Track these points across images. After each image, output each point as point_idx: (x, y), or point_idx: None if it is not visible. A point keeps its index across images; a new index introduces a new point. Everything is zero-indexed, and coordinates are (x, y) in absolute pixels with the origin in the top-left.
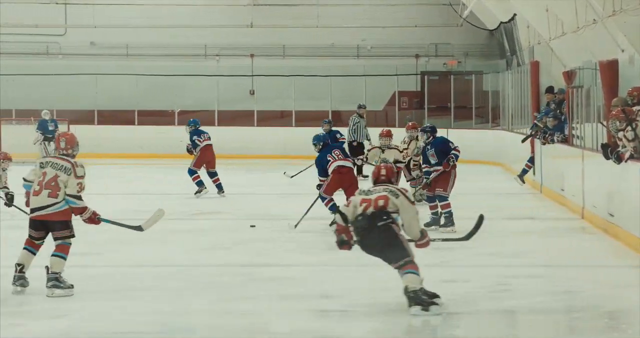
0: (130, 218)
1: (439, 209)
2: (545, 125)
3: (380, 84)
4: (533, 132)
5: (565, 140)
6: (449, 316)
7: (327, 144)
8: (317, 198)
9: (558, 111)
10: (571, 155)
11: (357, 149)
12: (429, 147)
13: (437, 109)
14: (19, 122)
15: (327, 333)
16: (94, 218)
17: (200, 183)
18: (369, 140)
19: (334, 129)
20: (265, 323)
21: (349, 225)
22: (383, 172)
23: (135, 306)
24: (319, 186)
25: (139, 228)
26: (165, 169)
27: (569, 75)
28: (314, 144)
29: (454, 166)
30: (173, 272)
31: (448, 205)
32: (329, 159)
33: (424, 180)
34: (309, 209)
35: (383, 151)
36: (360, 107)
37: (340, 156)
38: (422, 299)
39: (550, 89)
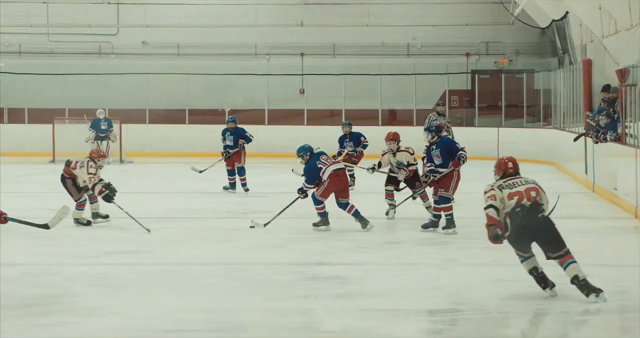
0: (182, 217)
1: (442, 212)
2: (598, 124)
3: (430, 82)
4: (586, 131)
5: (618, 139)
6: (500, 316)
7: (312, 153)
8: (296, 199)
9: (611, 110)
10: (624, 154)
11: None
12: (433, 147)
13: (487, 108)
14: (72, 121)
15: (377, 333)
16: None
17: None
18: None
19: (354, 131)
20: (316, 322)
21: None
22: (510, 165)
23: (188, 304)
24: (301, 190)
25: (45, 226)
26: (216, 168)
27: (622, 74)
28: (300, 156)
29: (458, 167)
30: (225, 270)
31: (450, 208)
32: (319, 166)
33: (431, 177)
34: (284, 210)
35: (394, 155)
36: (438, 104)
37: (329, 160)
38: (593, 286)
39: (606, 88)
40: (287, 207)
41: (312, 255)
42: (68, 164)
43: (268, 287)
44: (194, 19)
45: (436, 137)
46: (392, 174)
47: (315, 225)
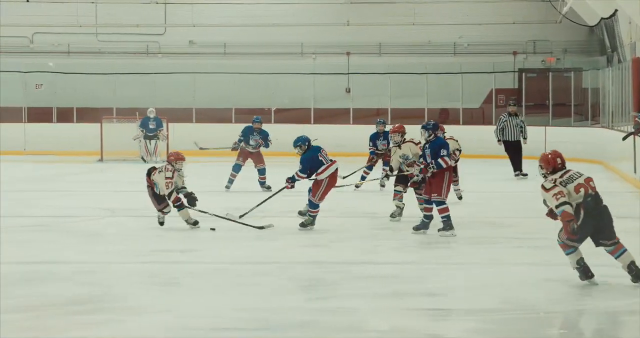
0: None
1: (432, 213)
2: None
3: (477, 81)
4: (635, 130)
5: None
6: (547, 316)
7: (310, 145)
8: (282, 188)
9: None
10: None
11: (508, 149)
12: (427, 145)
13: (534, 107)
14: (119, 120)
15: (425, 332)
16: None
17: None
18: (524, 138)
19: (387, 129)
20: (363, 321)
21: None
22: (559, 160)
23: (234, 303)
24: (292, 179)
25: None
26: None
27: None
28: (298, 146)
29: (449, 168)
30: (271, 269)
31: (446, 209)
32: (320, 159)
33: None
34: (265, 200)
35: (400, 147)
36: (509, 104)
37: (328, 158)
38: None
39: None
40: (270, 197)
41: (359, 254)
42: (149, 173)
43: (314, 286)
44: (240, 18)
45: (433, 135)
46: (402, 173)
47: (305, 225)
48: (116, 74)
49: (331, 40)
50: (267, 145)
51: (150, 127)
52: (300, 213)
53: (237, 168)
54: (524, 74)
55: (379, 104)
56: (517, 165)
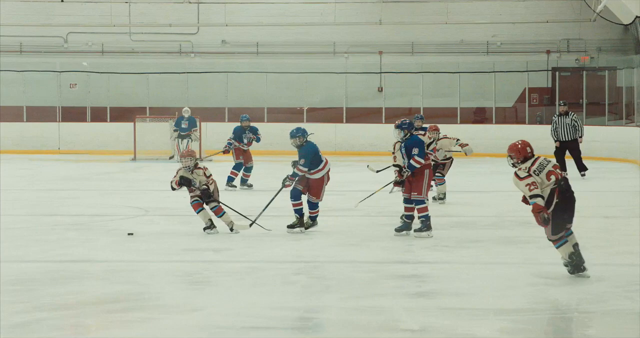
0: (262, 215)
1: (415, 213)
2: None
3: (510, 80)
4: None
5: None
6: (580, 315)
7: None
8: (280, 189)
9: None
10: None
11: (560, 150)
12: (402, 145)
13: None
14: (153, 119)
15: (456, 332)
16: None
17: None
18: (580, 136)
19: (425, 125)
20: (395, 321)
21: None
22: (529, 149)
23: (267, 302)
24: (295, 175)
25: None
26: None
27: None
28: (297, 137)
29: (428, 166)
30: (304, 268)
31: (425, 209)
32: (319, 155)
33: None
34: (267, 205)
35: (428, 146)
36: (560, 104)
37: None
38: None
39: None
40: (274, 197)
41: (392, 253)
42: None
43: (346, 285)
44: (273, 17)
45: (408, 134)
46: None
47: (291, 227)
48: (149, 74)
49: (364, 39)
50: (258, 140)
51: (183, 126)
52: (312, 224)
53: (239, 166)
54: (557, 73)
55: (411, 103)
56: (578, 165)
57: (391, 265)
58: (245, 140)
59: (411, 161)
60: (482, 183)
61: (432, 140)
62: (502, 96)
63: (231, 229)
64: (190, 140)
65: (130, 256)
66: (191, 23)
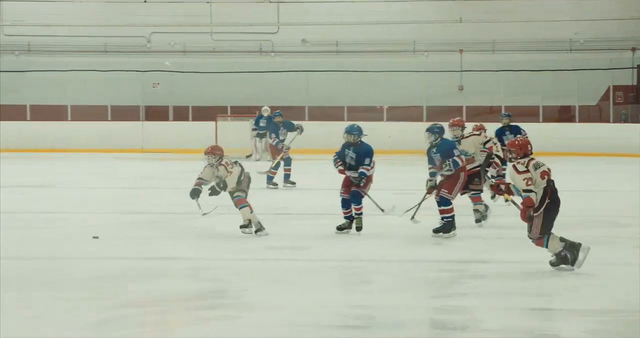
0: (340, 214)
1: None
2: None
3: (593, 78)
4: None
5: None
6: None
7: None
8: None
9: None
10: None
11: None
12: (434, 149)
13: None
14: (234, 118)
15: (540, 332)
16: None
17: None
18: None
19: (512, 123)
20: (476, 320)
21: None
22: (529, 147)
23: (347, 300)
24: (364, 175)
25: None
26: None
27: None
28: (356, 134)
29: (463, 169)
30: (383, 267)
31: (450, 210)
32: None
33: (429, 182)
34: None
35: (459, 143)
36: None
37: None
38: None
39: None
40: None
41: (473, 252)
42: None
43: (427, 284)
44: (352, 16)
45: (439, 138)
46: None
47: (341, 228)
48: (230, 73)
49: (444, 38)
50: (302, 130)
51: (261, 125)
52: (358, 228)
53: (277, 165)
54: None
55: (492, 102)
56: None
57: (472, 264)
58: (281, 137)
59: (455, 158)
60: (567, 183)
61: (488, 139)
62: (585, 94)
63: (245, 227)
64: (267, 138)
65: (214, 254)
66: (271, 22)
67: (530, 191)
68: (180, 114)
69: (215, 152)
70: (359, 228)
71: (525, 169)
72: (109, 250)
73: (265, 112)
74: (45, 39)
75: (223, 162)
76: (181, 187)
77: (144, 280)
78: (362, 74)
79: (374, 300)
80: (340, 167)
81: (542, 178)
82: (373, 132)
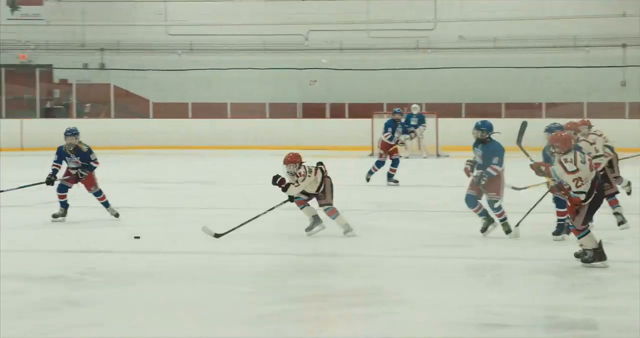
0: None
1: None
2: None
3: None
4: None
5: None
6: None
7: None
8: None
9: None
10: None
11: None
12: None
13: None
14: (390, 115)
15: None
16: None
17: None
18: None
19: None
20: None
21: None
22: (573, 142)
23: (508, 298)
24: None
25: None
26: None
27: None
28: (482, 130)
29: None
30: (545, 265)
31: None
32: None
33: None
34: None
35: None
36: None
37: None
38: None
39: None
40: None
41: (635, 252)
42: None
43: (588, 284)
44: (511, 11)
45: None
46: None
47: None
48: (386, 70)
49: (606, 32)
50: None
51: (412, 123)
52: (509, 232)
53: (380, 163)
54: None
55: None
56: None
57: (634, 264)
58: (396, 134)
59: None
60: None
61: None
62: None
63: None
64: (420, 137)
65: (372, 251)
66: (428, 19)
67: (582, 192)
68: (337, 111)
69: (294, 161)
70: (507, 232)
71: (575, 169)
72: (269, 247)
73: (415, 109)
74: (206, 38)
75: (301, 170)
76: (337, 184)
77: (305, 276)
78: (520, 70)
79: (538, 300)
80: (467, 166)
81: (591, 170)
82: (531, 129)
